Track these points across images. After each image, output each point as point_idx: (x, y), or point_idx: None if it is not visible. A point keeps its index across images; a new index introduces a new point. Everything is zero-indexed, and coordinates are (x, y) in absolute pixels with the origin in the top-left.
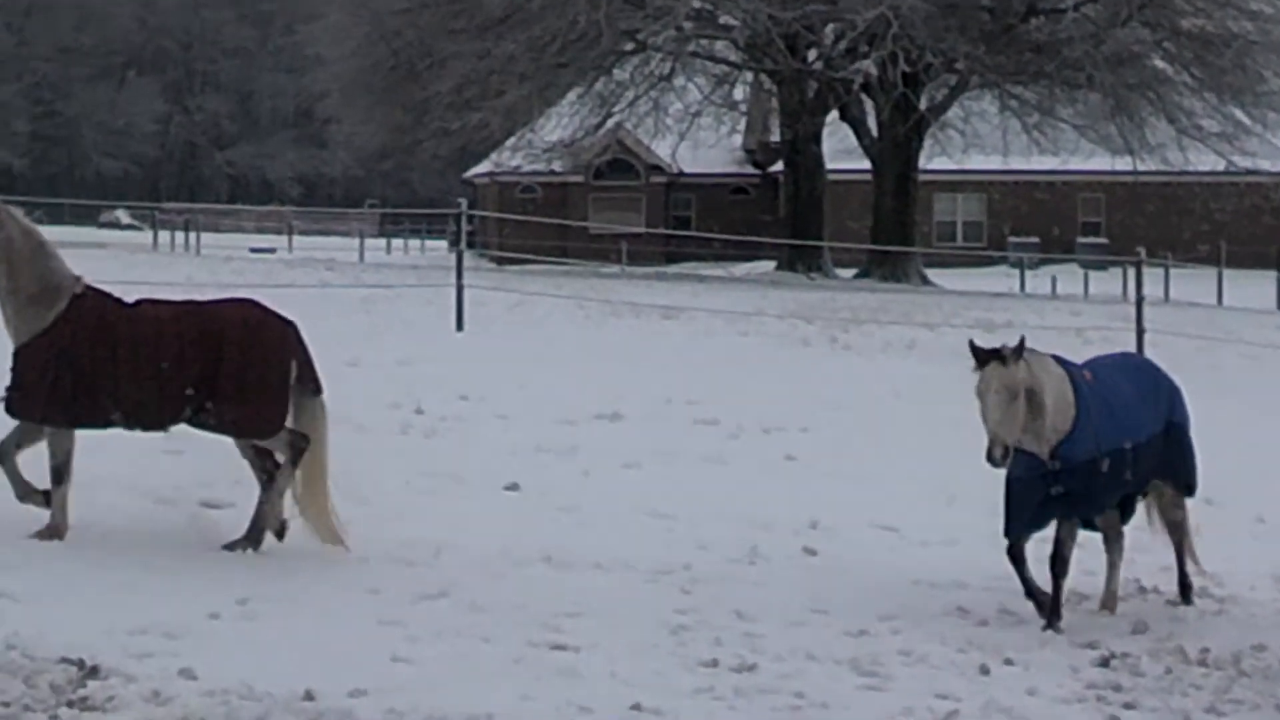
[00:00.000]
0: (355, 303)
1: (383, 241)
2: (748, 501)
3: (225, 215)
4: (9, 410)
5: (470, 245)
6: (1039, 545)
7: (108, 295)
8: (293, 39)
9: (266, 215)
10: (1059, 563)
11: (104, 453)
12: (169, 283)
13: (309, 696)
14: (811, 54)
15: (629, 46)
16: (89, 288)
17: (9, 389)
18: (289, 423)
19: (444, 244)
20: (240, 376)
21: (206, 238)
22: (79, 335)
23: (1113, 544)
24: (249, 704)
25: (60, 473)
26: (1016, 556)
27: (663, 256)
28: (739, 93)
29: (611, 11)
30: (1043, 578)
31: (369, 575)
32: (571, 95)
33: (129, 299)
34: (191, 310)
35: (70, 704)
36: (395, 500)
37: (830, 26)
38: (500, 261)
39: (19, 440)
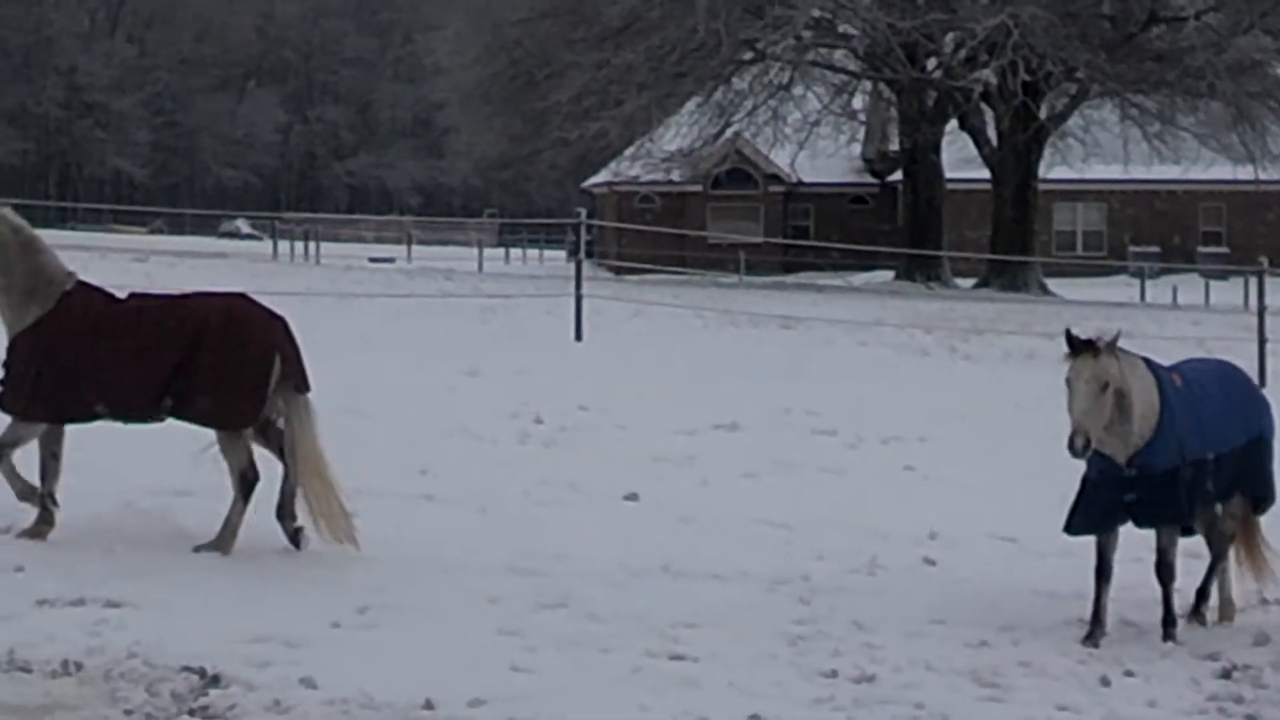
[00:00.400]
0: (475, 312)
1: (501, 251)
2: (866, 512)
3: (344, 225)
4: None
5: (589, 255)
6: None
7: (97, 290)
8: (412, 49)
9: (385, 225)
10: (1164, 570)
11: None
12: (289, 292)
13: (429, 705)
14: (931, 63)
15: (748, 56)
16: (80, 284)
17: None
18: (280, 423)
19: (562, 253)
20: (218, 368)
21: (326, 247)
22: (62, 331)
23: (1217, 549)
24: (369, 713)
25: (45, 469)
26: (1102, 572)
27: (781, 266)
28: (858, 102)
29: (730, 21)
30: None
31: (488, 584)
32: (690, 105)
33: (120, 294)
34: (176, 302)
35: (191, 712)
36: (514, 510)
37: (950, 35)
38: (618, 271)
39: (53, 450)
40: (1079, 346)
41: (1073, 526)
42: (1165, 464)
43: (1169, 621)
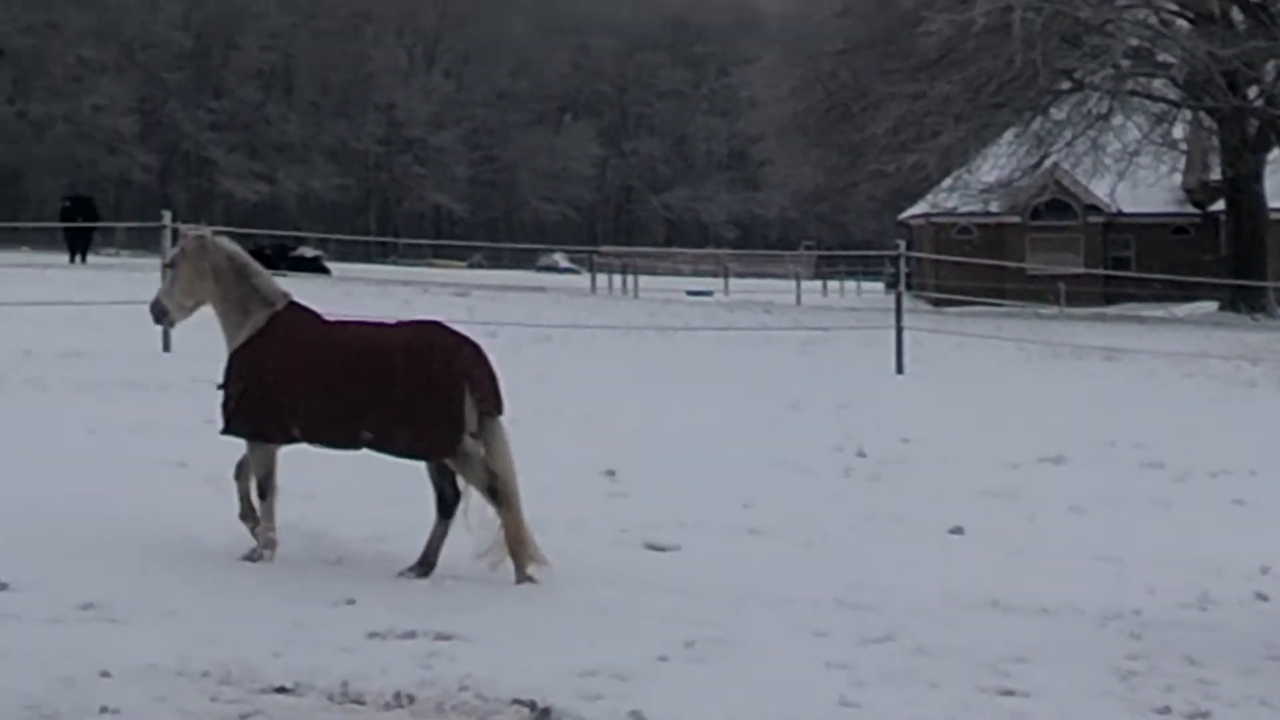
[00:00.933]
0: (794, 345)
1: (819, 283)
2: (1196, 546)
3: (661, 258)
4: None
5: (907, 287)
6: None
7: (307, 312)
8: (727, 82)
9: (702, 258)
10: None
11: (551, 496)
12: (608, 325)
13: None
14: (1252, 91)
15: (1065, 86)
16: (291, 304)
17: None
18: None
19: (880, 285)
20: (407, 400)
21: (643, 280)
22: (268, 351)
23: None
24: None
25: (263, 488)
26: None
27: (1101, 297)
28: (1178, 131)
29: (1048, 51)
30: None
31: (815, 618)
32: (1008, 135)
33: (330, 318)
34: (371, 330)
35: None
36: (839, 543)
37: (1271, 63)
38: (937, 303)
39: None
40: None
41: None
42: None
43: None
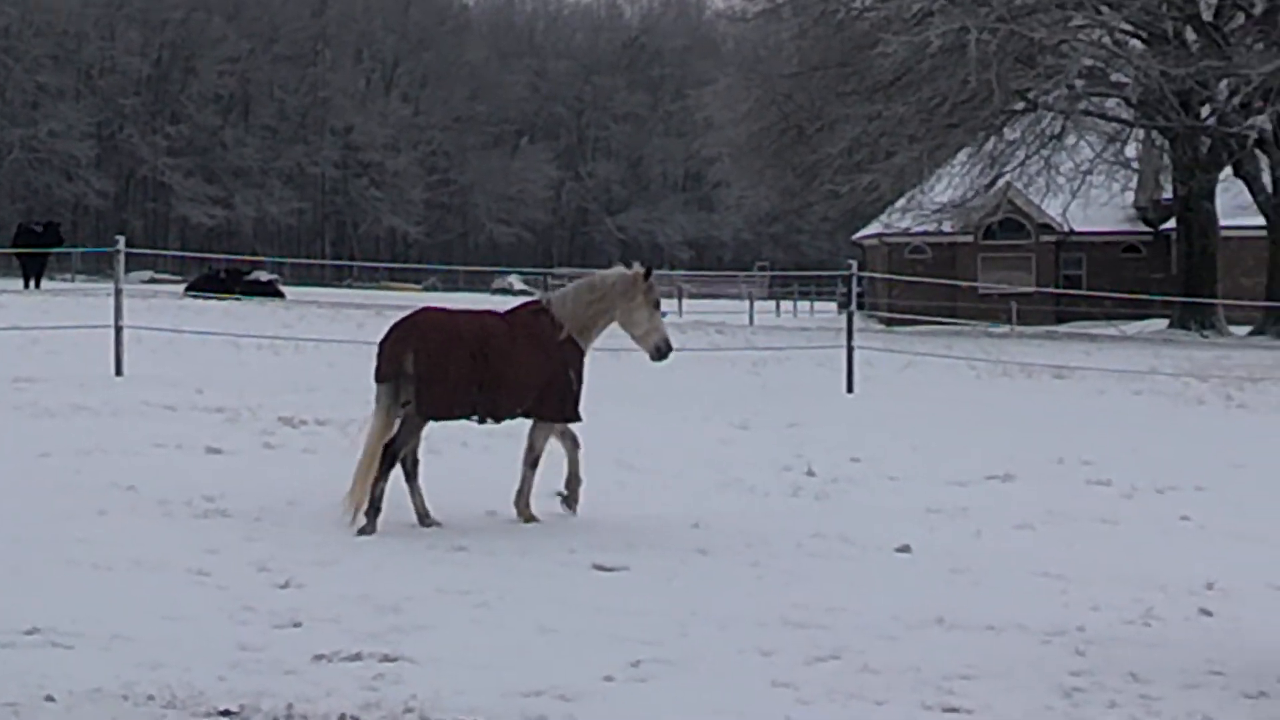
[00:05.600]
0: (746, 365)
1: (772, 304)
2: (1141, 562)
3: None
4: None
5: (859, 306)
6: None
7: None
8: (682, 104)
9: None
10: None
11: (499, 516)
12: None
13: None
14: (1204, 110)
15: (1020, 106)
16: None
17: None
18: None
19: (833, 305)
20: None
21: None
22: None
23: None
24: None
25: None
26: None
27: (1053, 315)
28: (1130, 150)
29: (1002, 71)
30: None
31: (761, 637)
32: (961, 155)
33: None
34: None
35: None
36: (786, 562)
37: (1224, 82)
38: (889, 322)
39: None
40: None
41: None
42: None
43: None
